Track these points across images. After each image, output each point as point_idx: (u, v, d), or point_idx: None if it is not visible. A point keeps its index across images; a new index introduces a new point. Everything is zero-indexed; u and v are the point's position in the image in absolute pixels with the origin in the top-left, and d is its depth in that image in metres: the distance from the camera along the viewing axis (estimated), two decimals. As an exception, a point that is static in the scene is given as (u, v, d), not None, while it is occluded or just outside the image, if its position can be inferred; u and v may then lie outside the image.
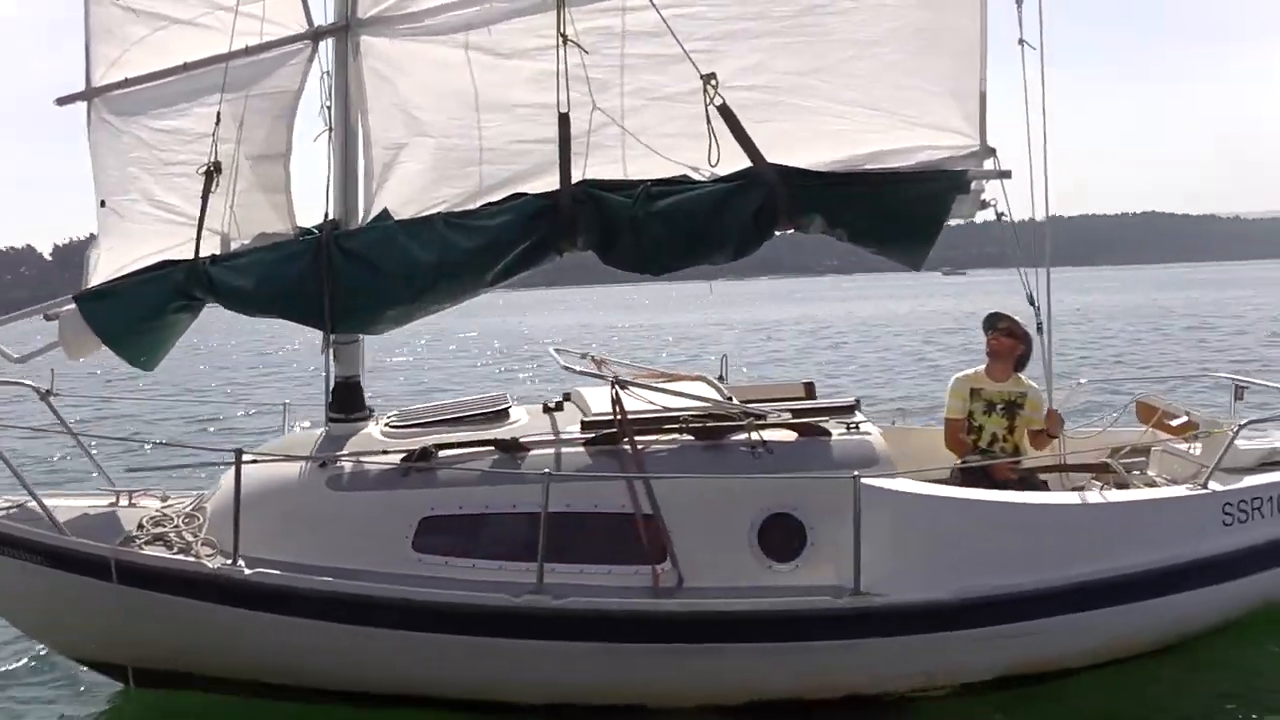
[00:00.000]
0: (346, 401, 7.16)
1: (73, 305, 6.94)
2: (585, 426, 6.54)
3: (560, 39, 6.46)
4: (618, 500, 6.13)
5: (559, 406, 7.28)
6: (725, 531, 6.15)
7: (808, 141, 6.57)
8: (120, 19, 7.16)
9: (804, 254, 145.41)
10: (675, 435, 6.49)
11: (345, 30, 6.98)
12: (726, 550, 6.13)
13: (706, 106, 6.41)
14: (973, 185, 6.53)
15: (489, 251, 6.59)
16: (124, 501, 7.11)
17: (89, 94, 7.25)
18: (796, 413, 6.66)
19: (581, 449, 6.40)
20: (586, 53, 6.53)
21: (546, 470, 6.00)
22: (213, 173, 6.89)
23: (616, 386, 6.53)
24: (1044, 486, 7.20)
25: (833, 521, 6.00)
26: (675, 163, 6.60)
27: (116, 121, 7.20)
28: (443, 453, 6.43)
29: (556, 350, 7.93)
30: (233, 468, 6.15)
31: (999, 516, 6.36)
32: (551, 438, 6.56)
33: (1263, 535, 6.79)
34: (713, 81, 6.39)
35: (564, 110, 6.52)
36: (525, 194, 6.67)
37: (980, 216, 6.77)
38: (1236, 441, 6.94)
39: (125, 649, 6.57)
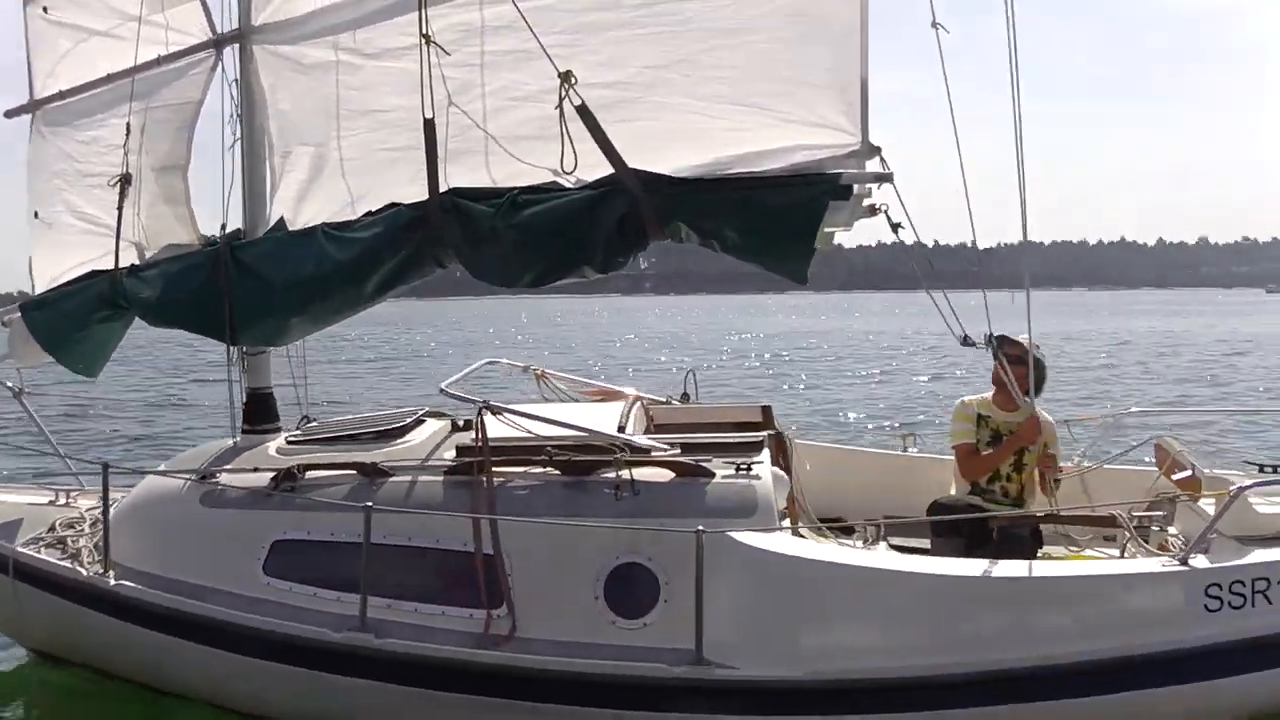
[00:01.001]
0: (256, 413, 7.12)
1: (19, 314, 7.24)
2: (460, 452, 6.13)
3: (421, 39, 6.10)
4: (461, 537, 5.68)
5: (468, 425, 6.93)
6: (570, 580, 5.58)
7: (672, 143, 5.88)
8: (50, 32, 7.35)
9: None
10: (541, 468, 5.93)
11: (240, 38, 6.86)
12: (569, 601, 5.57)
13: (560, 107, 5.86)
14: (856, 190, 5.66)
15: (362, 263, 6.35)
16: (61, 500, 7.37)
17: (31, 106, 7.47)
18: (688, 447, 5.98)
19: (439, 478, 6.01)
20: (447, 53, 6.14)
21: (369, 504, 5.68)
22: (124, 184, 6.97)
23: (485, 412, 6.04)
24: (1033, 542, 6.35)
25: (731, 568, 5.34)
26: (543, 168, 6.08)
27: (47, 133, 7.42)
28: (310, 474, 6.20)
29: (490, 363, 7.66)
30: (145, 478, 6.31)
31: (884, 585, 5.42)
32: (416, 463, 6.20)
33: (1265, 625, 5.28)
34: (571, 79, 5.85)
35: (428, 115, 6.16)
36: (399, 204, 6.38)
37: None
38: (1257, 505, 5.64)
39: (26, 636, 6.99)
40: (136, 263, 7.05)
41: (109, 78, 7.14)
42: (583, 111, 5.83)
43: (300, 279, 6.44)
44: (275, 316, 6.66)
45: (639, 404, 7.30)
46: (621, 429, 6.32)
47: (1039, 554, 6.33)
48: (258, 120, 6.94)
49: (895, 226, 5.73)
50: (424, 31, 6.09)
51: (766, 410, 7.37)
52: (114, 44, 7.13)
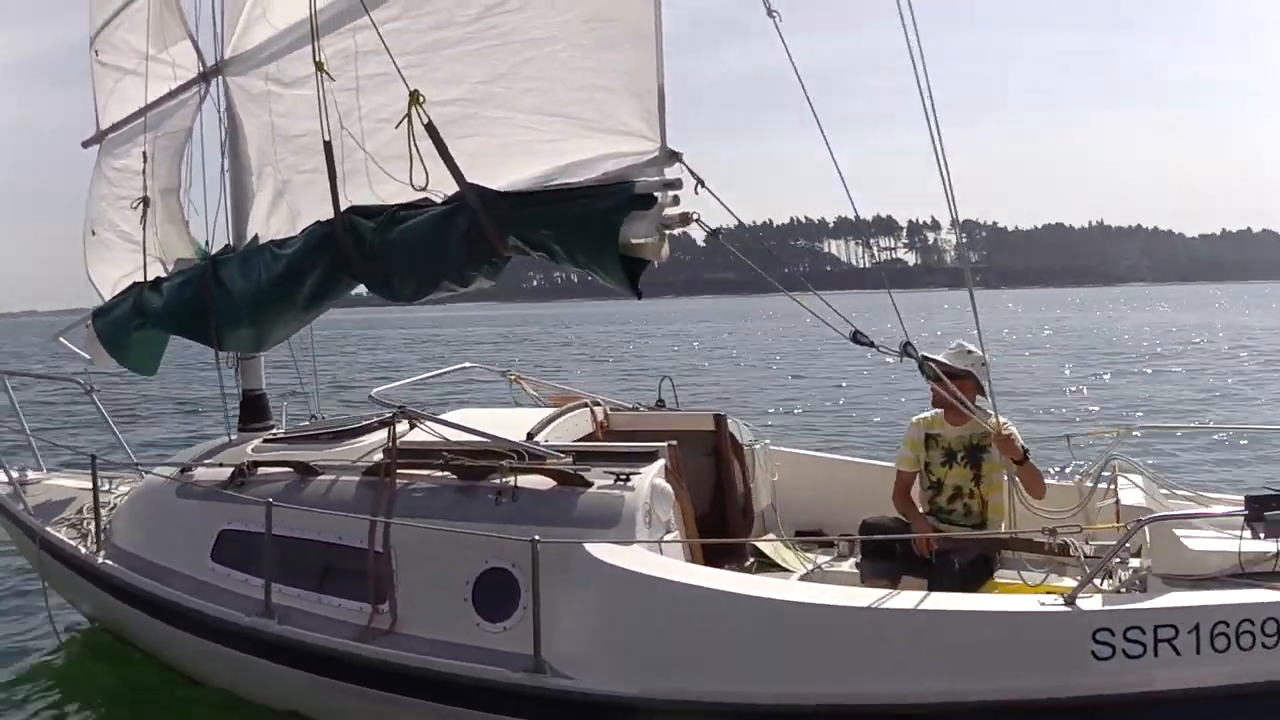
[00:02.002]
0: (249, 413, 7.89)
1: (91, 322, 8.45)
2: (385, 454, 6.38)
3: (315, 66, 6.52)
4: (359, 534, 6.01)
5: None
6: (444, 581, 5.76)
7: (508, 157, 5.95)
8: (100, 72, 8.46)
9: None
10: (441, 472, 6.15)
11: (218, 72, 7.59)
12: (442, 602, 5.76)
13: (410, 125, 6.08)
14: (660, 197, 5.47)
15: (287, 280, 6.85)
16: (105, 486, 8.39)
17: (95, 139, 8.63)
18: (583, 455, 6.07)
19: (355, 478, 6.36)
20: (332, 79, 6.51)
21: (270, 500, 6.15)
22: (145, 206, 7.93)
23: (401, 417, 6.41)
24: (975, 571, 5.97)
25: (554, 584, 5.36)
26: (414, 186, 6.33)
27: (100, 161, 8.52)
28: (260, 470, 6.75)
29: (467, 366, 8.01)
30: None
31: (720, 606, 5.17)
32: (346, 464, 6.55)
33: (1167, 680, 4.59)
34: (419, 98, 6.04)
35: (326, 138, 6.57)
36: (318, 222, 6.86)
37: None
38: (1187, 542, 5.07)
39: (52, 593, 8.06)
40: (159, 276, 7.97)
41: (139, 111, 8.09)
42: (430, 129, 6.00)
43: (252, 292, 7.07)
44: (245, 326, 7.32)
45: (587, 410, 7.37)
46: (530, 435, 6.37)
47: (984, 583, 5.93)
48: (239, 145, 7.64)
49: (716, 233, 5.53)
50: (317, 59, 6.49)
51: (719, 419, 7.29)
52: (138, 81, 8.07)
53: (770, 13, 5.46)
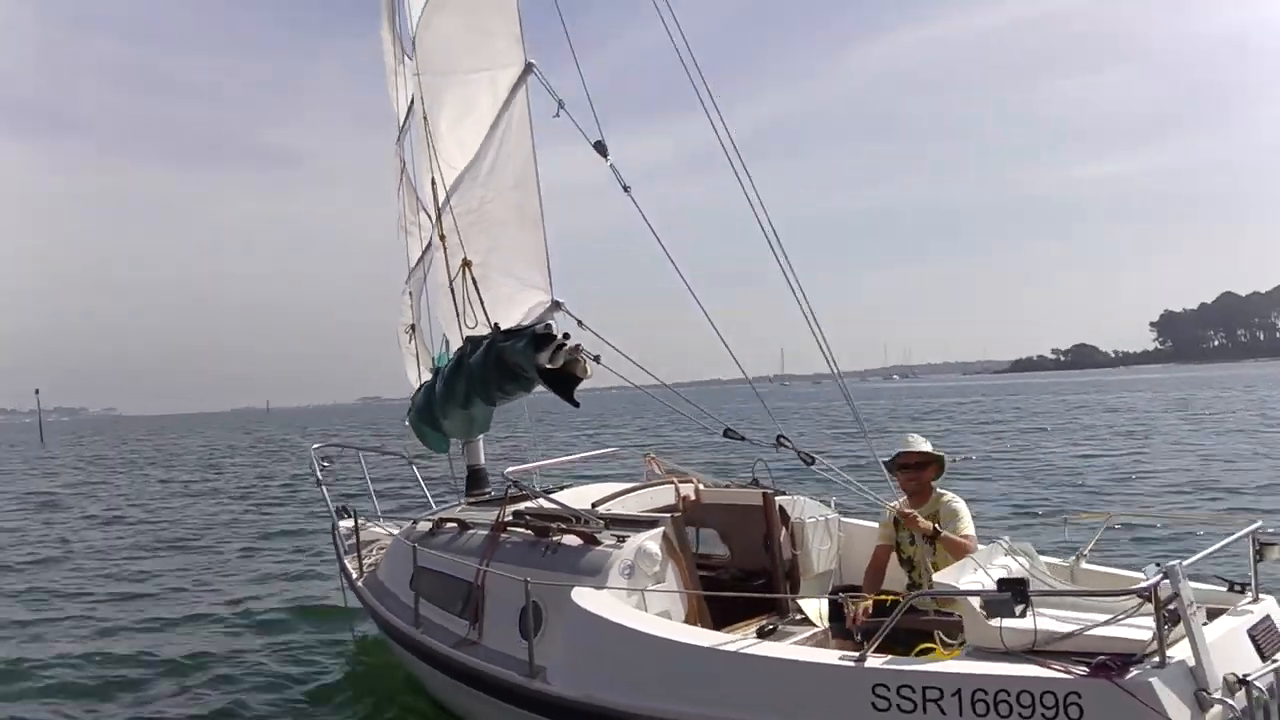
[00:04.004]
0: (472, 482, 10.42)
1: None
2: (497, 517, 8.52)
3: (440, 238, 9.26)
4: (471, 573, 8.21)
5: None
6: (506, 609, 7.70)
7: (505, 305, 8.15)
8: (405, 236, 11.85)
9: None
10: (525, 530, 8.19)
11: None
12: (505, 622, 7.68)
13: (463, 281, 8.52)
14: (557, 335, 7.47)
15: (446, 387, 9.54)
16: (395, 530, 10.88)
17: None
18: (610, 522, 7.73)
19: (483, 532, 8.55)
20: (445, 245, 9.16)
21: (414, 545, 8.77)
22: (412, 331, 11.26)
23: (512, 487, 8.69)
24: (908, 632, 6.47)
25: (557, 614, 7.16)
26: (466, 326, 8.62)
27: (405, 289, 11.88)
28: (446, 525, 9.18)
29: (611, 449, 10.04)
30: None
31: (631, 640, 6.57)
32: (485, 522, 8.60)
33: None
34: (469, 264, 8.54)
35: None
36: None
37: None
38: (990, 620, 5.56)
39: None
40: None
41: (415, 265, 11.39)
42: (470, 286, 8.49)
43: (440, 395, 9.73)
44: (444, 419, 9.84)
45: (673, 486, 8.80)
46: (595, 505, 8.15)
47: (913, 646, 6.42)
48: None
49: (595, 358, 7.45)
50: (441, 234, 9.22)
51: (766, 497, 8.43)
52: (413, 240, 11.37)
53: (625, 188, 7.27)
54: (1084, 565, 6.97)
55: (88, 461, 56.02)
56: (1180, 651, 5.09)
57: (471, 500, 9.91)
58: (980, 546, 6.90)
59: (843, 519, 8.77)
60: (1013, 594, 5.21)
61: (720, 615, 7.34)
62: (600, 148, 7.30)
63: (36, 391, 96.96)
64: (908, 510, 7.10)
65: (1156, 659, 5.05)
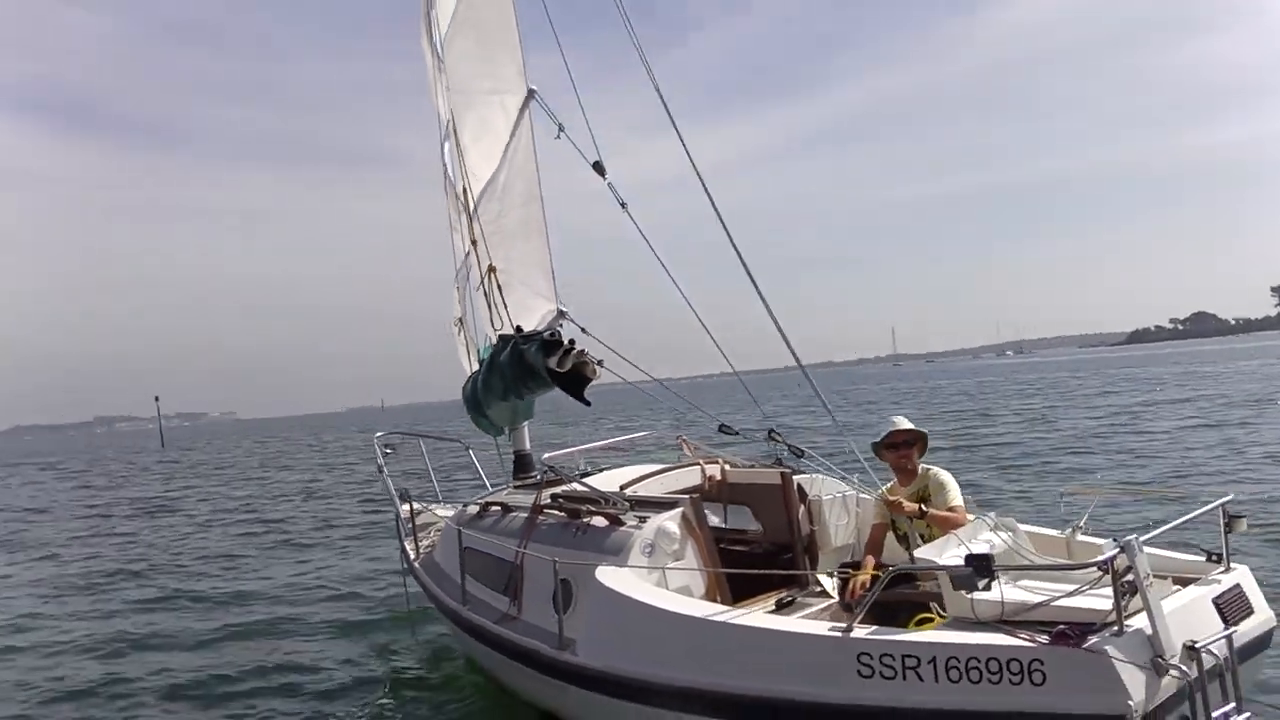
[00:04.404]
0: (519, 467, 11.01)
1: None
2: (535, 500, 9.14)
3: (473, 243, 9.95)
4: (510, 551, 8.81)
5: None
6: (541, 585, 8.21)
7: (524, 310, 8.86)
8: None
9: None
10: (559, 512, 8.75)
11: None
12: (541, 599, 8.19)
13: (489, 285, 9.25)
14: (564, 341, 8.06)
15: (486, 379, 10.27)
16: (449, 511, 11.71)
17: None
18: (638, 502, 8.27)
19: (523, 514, 9.12)
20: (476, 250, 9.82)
21: (459, 528, 9.47)
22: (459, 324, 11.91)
23: (549, 472, 9.35)
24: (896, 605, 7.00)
25: (585, 590, 7.70)
26: (494, 328, 9.43)
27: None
28: (491, 508, 9.81)
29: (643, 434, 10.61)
30: None
31: (646, 614, 7.04)
32: (524, 505, 9.21)
33: (916, 699, 5.66)
34: (493, 270, 9.22)
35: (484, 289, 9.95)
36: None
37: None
38: (975, 595, 5.94)
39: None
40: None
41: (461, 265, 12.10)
42: (495, 290, 9.16)
43: (481, 385, 10.49)
44: (488, 408, 10.50)
45: (699, 467, 9.28)
46: (623, 487, 8.72)
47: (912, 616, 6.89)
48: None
49: (599, 362, 8.00)
50: (474, 238, 9.90)
51: (784, 475, 8.87)
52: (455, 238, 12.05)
53: (622, 205, 7.80)
54: (1079, 538, 7.21)
55: (200, 465, 58.33)
56: (1141, 620, 5.39)
57: (517, 484, 10.47)
58: (970, 518, 7.24)
59: (861, 495, 8.99)
60: (976, 569, 5.61)
61: (743, 588, 7.77)
62: (598, 167, 7.92)
63: (156, 399, 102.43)
64: (891, 498, 7.51)
65: (1115, 627, 5.38)
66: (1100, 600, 5.63)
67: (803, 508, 8.69)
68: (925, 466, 7.73)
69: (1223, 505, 6.41)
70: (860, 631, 5.90)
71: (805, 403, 54.42)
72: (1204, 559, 6.59)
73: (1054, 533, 7.39)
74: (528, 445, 11.21)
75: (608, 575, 7.41)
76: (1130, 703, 5.19)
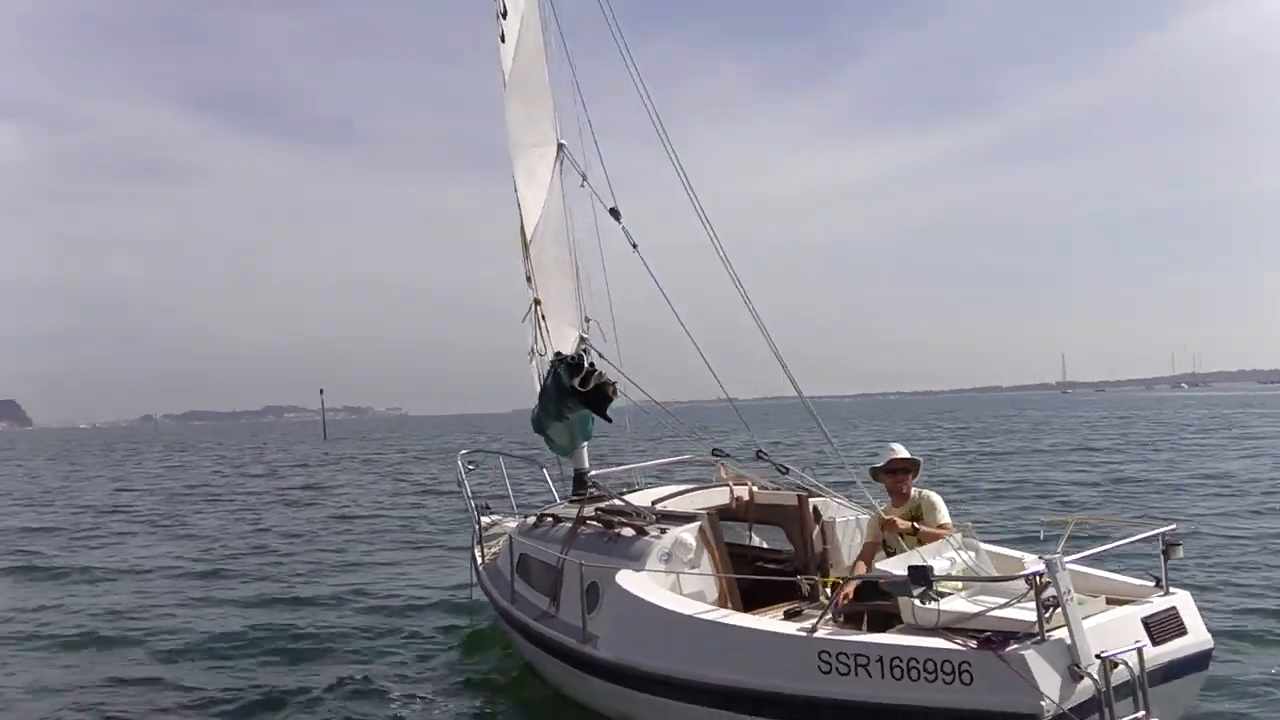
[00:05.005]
0: (577, 484, 11.83)
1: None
2: (578, 513, 10.22)
3: (526, 280, 11.18)
4: (553, 556, 9.89)
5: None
6: (575, 587, 9.11)
7: (562, 339, 10.07)
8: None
9: None
10: (597, 523, 9.82)
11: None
12: (574, 599, 9.16)
13: (535, 316, 10.48)
14: (585, 364, 9.22)
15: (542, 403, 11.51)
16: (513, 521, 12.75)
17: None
18: (664, 516, 9.30)
19: (567, 525, 10.20)
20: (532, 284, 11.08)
21: (509, 535, 10.85)
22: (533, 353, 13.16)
23: (590, 489, 10.68)
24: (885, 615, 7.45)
25: (609, 591, 8.65)
26: (538, 352, 10.68)
27: None
28: (545, 519, 10.96)
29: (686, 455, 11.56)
30: None
31: (650, 614, 8.01)
32: (569, 518, 10.26)
33: (864, 694, 6.49)
34: (539, 302, 10.43)
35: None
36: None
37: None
38: (913, 603, 6.84)
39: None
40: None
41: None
42: (540, 320, 10.37)
43: (540, 409, 11.73)
44: (545, 429, 11.76)
45: (728, 488, 10.21)
46: (656, 502, 9.81)
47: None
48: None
49: (613, 384, 9.11)
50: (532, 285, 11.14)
51: (800, 499, 9.74)
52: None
53: (634, 246, 8.88)
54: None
55: (345, 458, 61.51)
56: (1065, 631, 6.08)
57: (573, 499, 11.41)
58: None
59: (860, 516, 9.63)
60: (912, 578, 6.43)
61: (760, 600, 8.57)
62: (614, 213, 8.99)
63: (320, 392, 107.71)
64: (887, 517, 8.34)
65: (1038, 637, 6.12)
66: (1027, 613, 6.33)
67: (818, 528, 9.45)
68: (918, 490, 8.52)
69: (1162, 534, 7.02)
70: (823, 632, 6.76)
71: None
72: (1152, 584, 7.17)
73: (1018, 554, 8.01)
74: (586, 464, 12.01)
75: (626, 579, 8.33)
76: (1042, 704, 5.91)
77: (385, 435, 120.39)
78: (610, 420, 9.73)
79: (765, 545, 9.65)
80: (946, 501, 8.50)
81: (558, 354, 10.12)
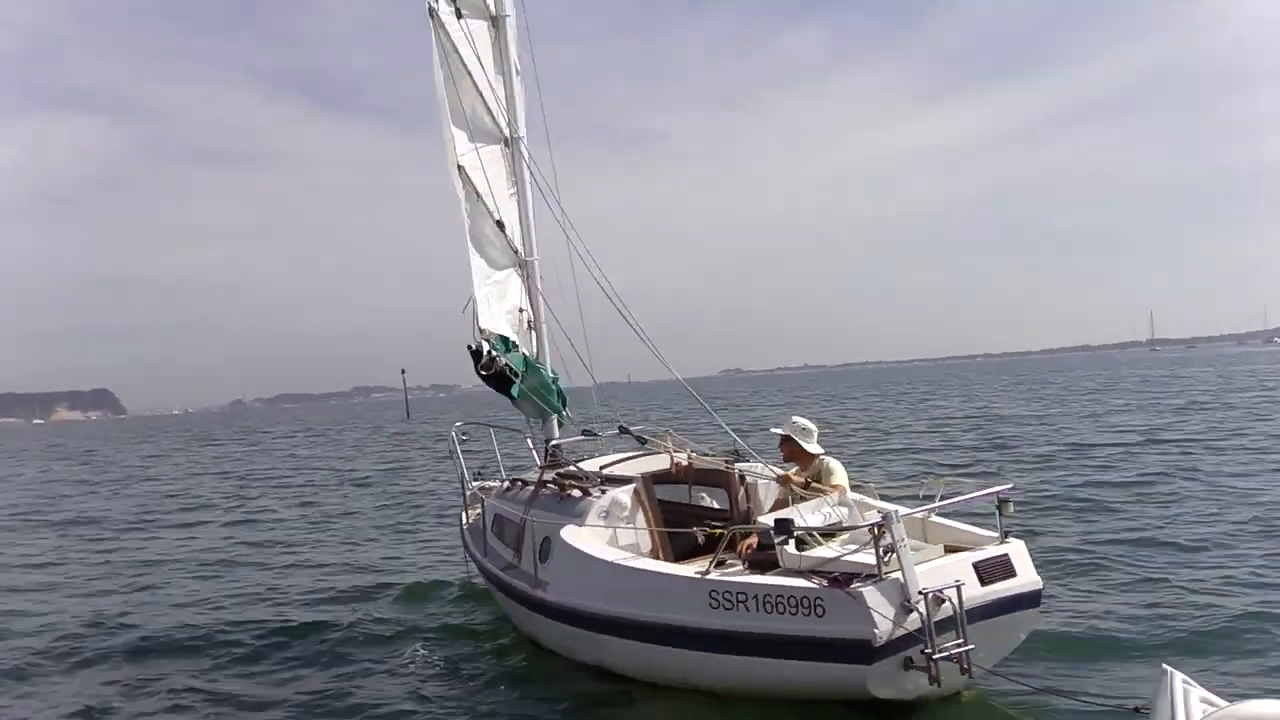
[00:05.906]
0: (546, 452, 12.69)
1: None
2: (539, 476, 11.55)
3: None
4: (518, 516, 11.06)
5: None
6: (533, 541, 10.33)
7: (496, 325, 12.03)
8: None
9: None
10: (554, 485, 11.02)
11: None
12: (533, 552, 10.43)
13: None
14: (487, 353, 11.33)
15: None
16: (494, 485, 13.79)
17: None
18: (608, 479, 10.52)
19: (530, 487, 11.49)
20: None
21: (490, 500, 12.13)
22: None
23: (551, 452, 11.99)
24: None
25: (558, 545, 9.88)
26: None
27: None
28: (515, 483, 12.17)
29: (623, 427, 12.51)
30: None
31: (584, 562, 9.28)
32: (534, 481, 11.51)
33: (744, 625, 7.76)
34: (523, 312, 11.89)
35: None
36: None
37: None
38: (786, 548, 8.02)
39: None
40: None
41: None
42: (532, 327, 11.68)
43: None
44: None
45: (668, 455, 11.10)
46: (604, 467, 11.04)
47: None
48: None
49: (512, 368, 11.19)
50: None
51: (727, 463, 10.85)
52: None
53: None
54: (933, 519, 8.73)
55: (424, 435, 62.87)
56: (900, 574, 7.32)
57: (542, 465, 12.39)
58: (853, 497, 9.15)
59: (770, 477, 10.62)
60: (776, 528, 7.82)
61: (693, 552, 9.55)
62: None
63: (403, 372, 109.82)
64: (783, 473, 9.72)
65: (877, 576, 7.37)
66: (873, 557, 7.49)
67: (743, 489, 10.48)
68: (821, 456, 9.66)
69: (996, 493, 8.14)
70: (714, 574, 8.03)
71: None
72: (997, 535, 8.27)
73: (921, 514, 8.67)
74: (556, 435, 13.16)
75: (570, 533, 9.62)
76: (875, 631, 7.19)
77: (469, 411, 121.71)
78: (514, 399, 12.11)
79: (717, 505, 10.61)
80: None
81: (467, 345, 11.82)
